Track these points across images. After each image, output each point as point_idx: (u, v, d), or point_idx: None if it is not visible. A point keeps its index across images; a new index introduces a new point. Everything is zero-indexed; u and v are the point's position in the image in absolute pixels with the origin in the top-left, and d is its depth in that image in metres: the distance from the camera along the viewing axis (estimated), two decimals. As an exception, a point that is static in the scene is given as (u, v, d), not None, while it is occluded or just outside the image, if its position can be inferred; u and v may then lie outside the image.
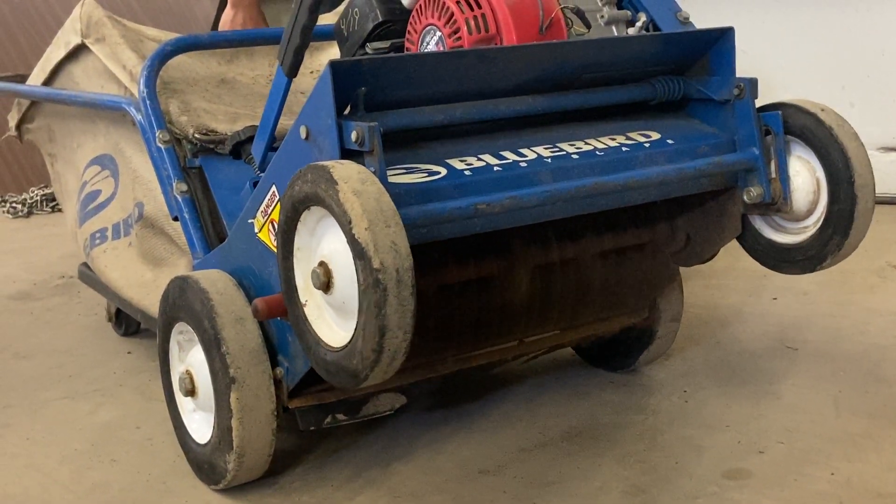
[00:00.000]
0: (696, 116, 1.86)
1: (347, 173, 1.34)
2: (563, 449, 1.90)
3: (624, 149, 1.70)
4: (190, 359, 1.80)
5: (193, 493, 1.81)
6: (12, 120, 2.98)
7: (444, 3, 1.68)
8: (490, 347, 1.92)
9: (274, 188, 1.61)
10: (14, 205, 4.93)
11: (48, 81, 2.65)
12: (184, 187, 1.99)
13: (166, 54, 2.13)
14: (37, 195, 4.97)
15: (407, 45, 1.77)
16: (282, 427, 1.74)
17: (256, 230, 1.67)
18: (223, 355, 1.64)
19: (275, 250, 1.61)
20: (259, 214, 1.66)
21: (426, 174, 1.52)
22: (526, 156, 1.62)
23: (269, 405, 1.67)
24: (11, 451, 2.06)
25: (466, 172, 1.54)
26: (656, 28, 1.84)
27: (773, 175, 1.77)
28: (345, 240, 1.32)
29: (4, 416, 2.25)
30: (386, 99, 1.54)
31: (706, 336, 2.46)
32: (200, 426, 1.82)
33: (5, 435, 2.15)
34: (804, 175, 1.76)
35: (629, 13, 1.85)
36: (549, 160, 1.62)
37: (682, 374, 2.23)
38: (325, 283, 1.40)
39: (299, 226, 1.44)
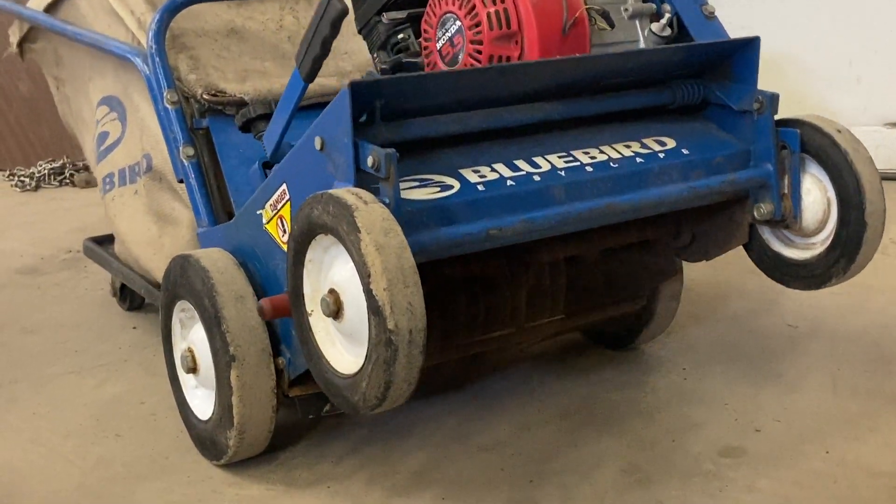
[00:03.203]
0: (713, 120, 1.84)
1: (371, 221, 1.31)
2: (562, 426, 1.91)
3: (638, 160, 1.68)
4: (192, 336, 1.82)
5: (196, 469, 1.83)
6: (13, 36, 2.84)
7: None
8: (492, 342, 1.92)
9: (285, 186, 1.61)
10: (22, 178, 4.95)
11: (51, 7, 2.56)
12: (190, 151, 1.97)
13: (176, 7, 2.07)
14: (44, 169, 4.98)
15: (424, 26, 1.76)
16: (282, 404, 1.76)
17: (264, 221, 1.68)
18: (223, 333, 1.66)
19: (281, 244, 1.63)
20: (268, 207, 1.66)
21: (439, 188, 1.51)
22: (540, 166, 1.61)
23: (269, 383, 1.69)
24: (17, 426, 2.09)
25: (479, 187, 1.53)
26: (680, 22, 1.81)
27: (786, 191, 1.77)
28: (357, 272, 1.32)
29: (11, 390, 2.28)
30: (402, 109, 1.54)
31: (707, 314, 2.47)
32: (202, 402, 1.84)
33: (12, 409, 2.18)
34: (815, 194, 1.75)
35: (654, 6, 1.82)
36: (563, 173, 1.61)
37: (682, 351, 2.25)
38: (335, 311, 1.40)
39: (313, 243, 1.43)
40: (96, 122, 2.49)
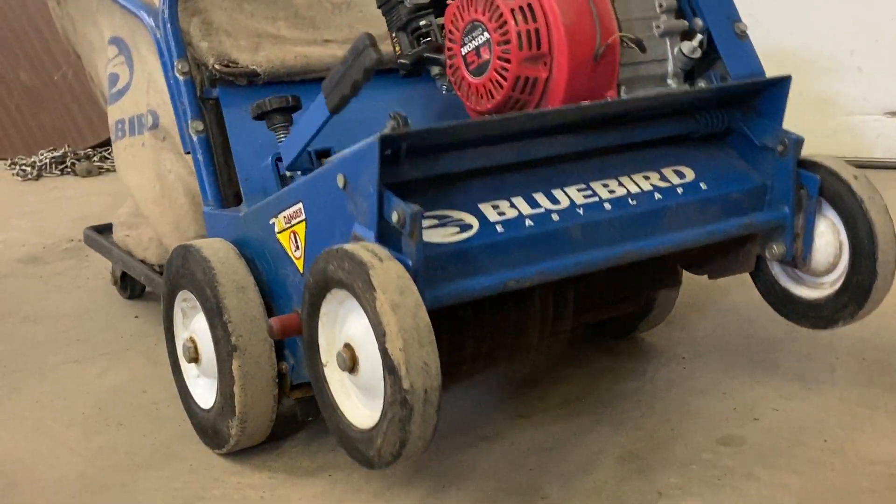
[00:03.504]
0: (735, 147, 1.83)
1: (386, 279, 1.31)
2: (562, 416, 1.92)
3: (657, 195, 1.68)
4: (193, 326, 1.83)
5: (198, 457, 1.85)
6: None
7: (496, 4, 1.62)
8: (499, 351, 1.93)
9: (301, 206, 1.59)
10: (23, 167, 4.96)
11: None
12: (200, 126, 1.91)
13: None
14: (46, 158, 5.00)
15: (449, 26, 1.73)
16: (283, 394, 1.77)
17: (276, 231, 1.67)
18: (225, 323, 1.66)
19: (293, 258, 1.63)
20: (282, 218, 1.65)
21: (458, 228, 1.51)
22: (559, 202, 1.60)
23: (271, 372, 1.70)
24: (21, 415, 2.10)
25: (498, 228, 1.53)
26: (710, 40, 1.79)
27: (799, 231, 1.77)
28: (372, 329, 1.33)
29: (14, 379, 2.29)
30: (427, 146, 1.54)
31: (706, 303, 2.48)
32: (204, 392, 1.85)
33: (15, 398, 2.19)
34: (828, 237, 1.76)
35: (685, 23, 1.79)
36: (581, 211, 1.60)
37: (681, 341, 2.25)
38: (350, 366, 1.41)
39: (328, 296, 1.43)
40: (108, 60, 2.41)
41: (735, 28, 1.82)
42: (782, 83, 1.73)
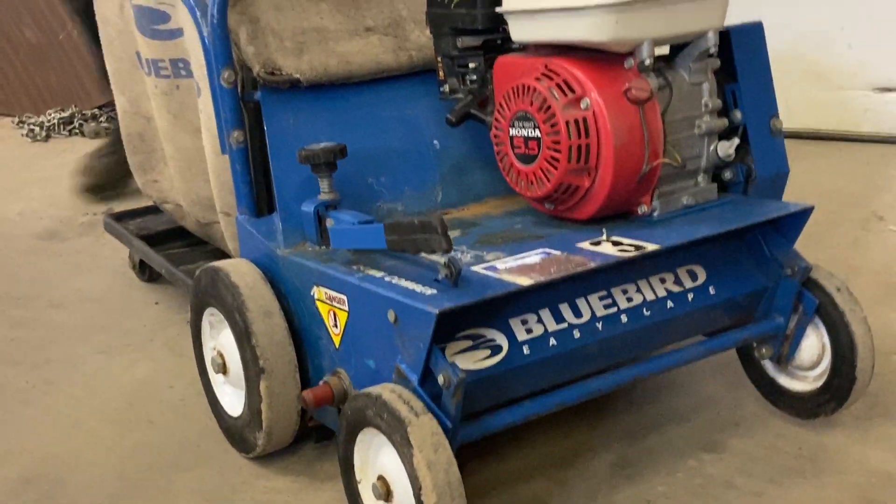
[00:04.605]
0: (746, 243, 1.92)
1: (422, 437, 1.44)
2: (556, 422, 2.05)
3: (669, 304, 1.79)
4: (220, 339, 1.96)
5: (226, 458, 1.99)
6: None
7: (553, 111, 1.67)
8: None
9: (346, 299, 1.68)
10: (32, 127, 5.04)
11: None
12: (241, 137, 1.93)
13: None
14: (54, 118, 5.07)
15: (499, 98, 1.78)
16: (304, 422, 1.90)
17: (316, 298, 1.77)
18: (253, 347, 1.80)
19: (329, 329, 1.75)
20: (323, 292, 1.73)
21: (489, 351, 1.61)
22: (581, 314, 1.70)
23: (295, 391, 1.84)
24: (58, 410, 2.24)
25: (525, 350, 1.64)
26: (745, 135, 1.88)
27: (788, 334, 1.92)
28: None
29: (46, 371, 2.43)
30: None
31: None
32: (231, 400, 1.99)
33: (49, 391, 2.33)
34: (812, 339, 1.92)
35: (726, 123, 1.85)
36: (600, 325, 1.71)
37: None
38: (385, 497, 1.55)
39: (365, 428, 1.56)
40: None
41: (772, 124, 1.91)
42: (803, 214, 1.83)
